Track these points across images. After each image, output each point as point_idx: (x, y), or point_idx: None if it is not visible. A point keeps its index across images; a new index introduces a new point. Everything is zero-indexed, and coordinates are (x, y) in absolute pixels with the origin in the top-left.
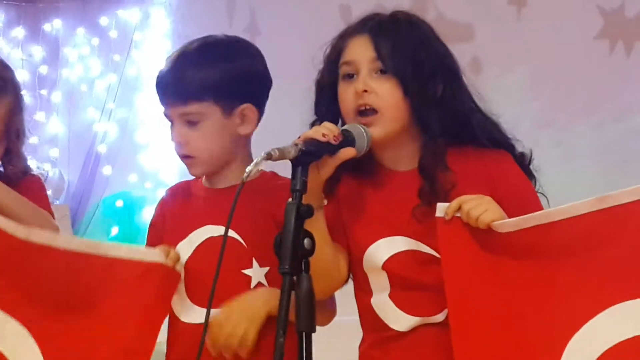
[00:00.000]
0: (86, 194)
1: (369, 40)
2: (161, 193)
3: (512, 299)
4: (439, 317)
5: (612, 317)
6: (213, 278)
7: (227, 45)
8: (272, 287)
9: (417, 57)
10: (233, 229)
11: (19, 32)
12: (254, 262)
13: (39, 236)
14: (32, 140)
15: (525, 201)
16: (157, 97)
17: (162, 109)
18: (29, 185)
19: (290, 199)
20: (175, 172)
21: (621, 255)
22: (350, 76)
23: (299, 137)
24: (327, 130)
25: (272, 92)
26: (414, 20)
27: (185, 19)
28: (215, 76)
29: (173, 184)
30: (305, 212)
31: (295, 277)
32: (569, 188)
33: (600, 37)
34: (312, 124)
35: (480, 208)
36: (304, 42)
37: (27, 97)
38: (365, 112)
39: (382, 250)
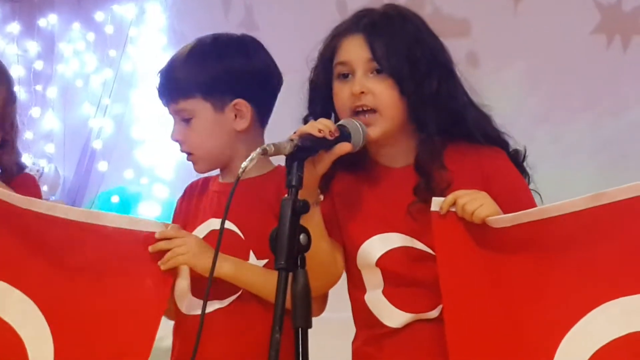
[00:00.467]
0: (82, 190)
1: (364, 40)
2: (157, 188)
3: (506, 294)
4: (433, 314)
5: (606, 313)
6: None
7: (219, 43)
8: None
9: (412, 55)
10: (232, 221)
11: (14, 27)
12: (251, 255)
13: (39, 206)
14: (27, 135)
15: (518, 199)
16: (157, 95)
17: (160, 105)
18: (23, 182)
19: (286, 195)
20: (171, 168)
21: (615, 252)
22: (345, 76)
23: (295, 133)
24: (323, 126)
25: None
26: (407, 16)
27: (181, 15)
28: (202, 73)
29: (168, 179)
30: (301, 208)
31: (291, 273)
32: (566, 184)
33: (597, 32)
34: (305, 120)
35: (476, 203)
36: (300, 37)
37: (22, 92)
38: (362, 112)
39: (376, 246)
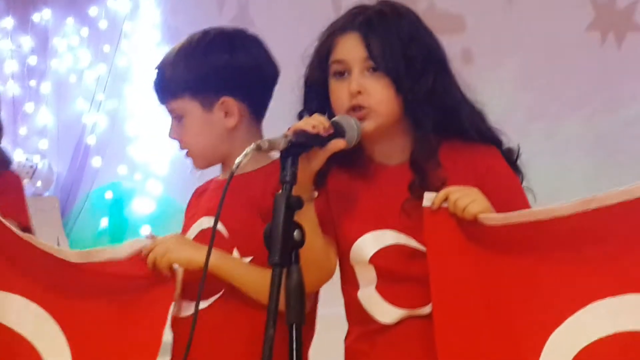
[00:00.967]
0: (75, 186)
1: (359, 39)
2: (151, 184)
3: (495, 291)
4: (426, 310)
5: (593, 313)
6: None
7: (206, 40)
8: None
9: (408, 53)
10: (219, 219)
11: (8, 22)
12: (235, 252)
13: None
14: (21, 131)
15: (511, 197)
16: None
17: (154, 101)
18: (6, 181)
19: (280, 191)
20: (165, 163)
21: (602, 255)
22: (341, 74)
23: (289, 129)
24: (317, 122)
25: None
26: (402, 12)
27: (175, 10)
28: (189, 73)
29: (162, 175)
30: (295, 204)
31: (285, 269)
32: (560, 180)
33: (592, 29)
34: (300, 116)
35: (468, 199)
36: (296, 33)
37: (16, 87)
38: (359, 108)
39: (370, 243)
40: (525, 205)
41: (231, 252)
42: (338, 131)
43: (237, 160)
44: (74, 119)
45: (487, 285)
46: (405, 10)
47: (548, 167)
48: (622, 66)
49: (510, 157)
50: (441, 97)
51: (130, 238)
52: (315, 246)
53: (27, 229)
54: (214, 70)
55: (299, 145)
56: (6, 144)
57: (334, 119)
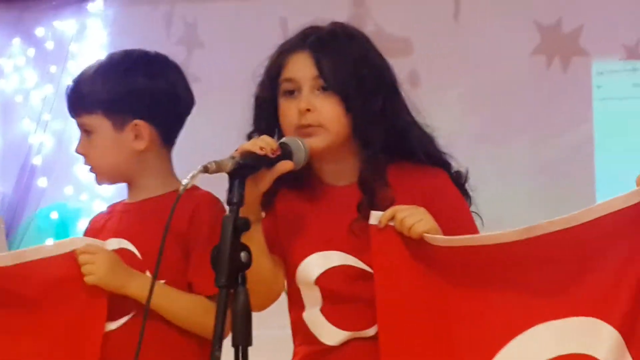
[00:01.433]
0: (21, 206)
1: (310, 57)
2: (97, 205)
3: (440, 312)
4: (370, 332)
5: (537, 336)
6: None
7: (127, 61)
8: None
9: (358, 73)
10: (129, 240)
11: None
12: (147, 274)
13: None
14: None
15: (458, 219)
16: None
17: None
18: None
19: (227, 212)
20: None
21: (545, 280)
22: (291, 92)
23: (237, 150)
24: (265, 144)
25: (213, 104)
26: (353, 34)
27: (122, 31)
28: (105, 91)
29: (108, 196)
30: (242, 226)
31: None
32: (506, 203)
33: (537, 53)
34: (249, 136)
35: (414, 218)
36: (244, 54)
37: None
38: (308, 126)
39: (315, 264)
40: (472, 226)
41: (144, 273)
42: (286, 153)
43: (184, 182)
44: (20, 139)
45: (432, 306)
46: (356, 32)
47: (494, 190)
48: (567, 90)
49: (459, 180)
50: (390, 118)
51: None
52: (262, 267)
53: None
54: (130, 92)
55: (247, 166)
56: None
57: (281, 140)
